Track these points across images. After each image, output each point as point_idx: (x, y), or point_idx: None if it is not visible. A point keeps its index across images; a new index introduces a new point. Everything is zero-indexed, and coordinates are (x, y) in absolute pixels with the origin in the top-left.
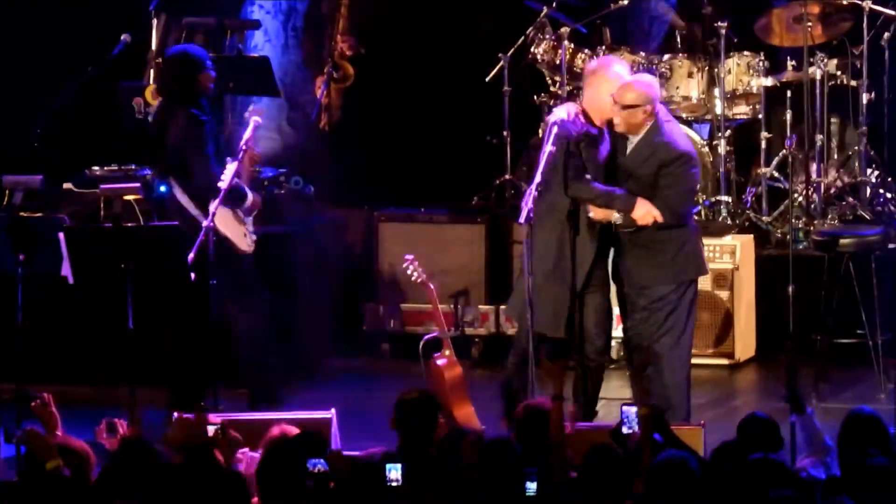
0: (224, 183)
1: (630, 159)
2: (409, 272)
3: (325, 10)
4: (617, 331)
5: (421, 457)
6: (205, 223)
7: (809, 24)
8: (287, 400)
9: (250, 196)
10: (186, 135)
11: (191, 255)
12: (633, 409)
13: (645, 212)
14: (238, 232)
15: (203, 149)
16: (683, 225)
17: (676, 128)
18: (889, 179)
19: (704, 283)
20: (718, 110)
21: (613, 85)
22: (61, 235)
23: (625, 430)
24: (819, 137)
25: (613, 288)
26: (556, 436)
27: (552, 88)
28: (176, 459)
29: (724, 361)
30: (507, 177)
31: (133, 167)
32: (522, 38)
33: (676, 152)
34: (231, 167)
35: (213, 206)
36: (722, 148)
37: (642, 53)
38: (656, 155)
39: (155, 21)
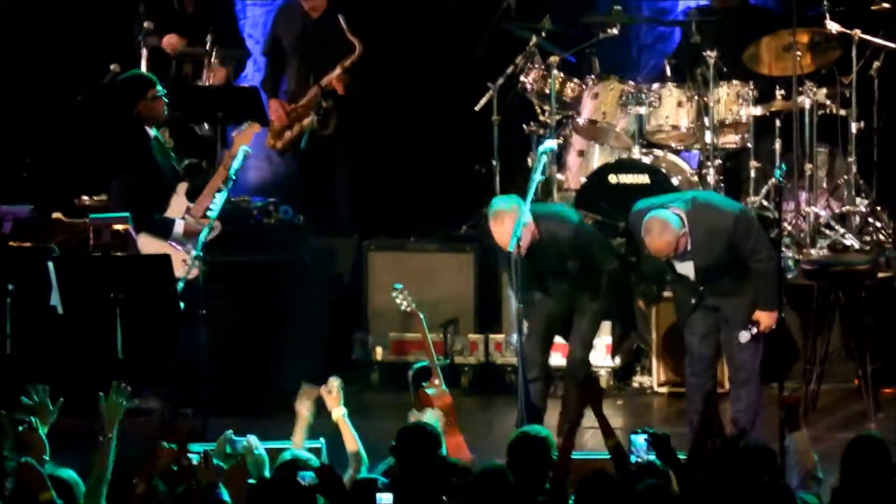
0: (213, 213)
1: (699, 260)
2: (398, 301)
3: (286, 43)
4: (605, 360)
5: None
6: (193, 252)
7: (798, 53)
8: (276, 429)
9: (178, 225)
10: (119, 156)
11: (180, 285)
12: (642, 437)
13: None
14: (174, 259)
15: (127, 175)
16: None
17: (704, 208)
18: (878, 208)
19: None
20: (708, 139)
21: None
22: (50, 265)
23: (633, 458)
24: (808, 166)
25: None
26: (562, 461)
27: (541, 118)
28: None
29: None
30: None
31: None
32: (512, 67)
33: (730, 220)
34: (221, 196)
35: (202, 236)
36: (711, 177)
37: (631, 83)
38: (717, 238)
39: (144, 51)
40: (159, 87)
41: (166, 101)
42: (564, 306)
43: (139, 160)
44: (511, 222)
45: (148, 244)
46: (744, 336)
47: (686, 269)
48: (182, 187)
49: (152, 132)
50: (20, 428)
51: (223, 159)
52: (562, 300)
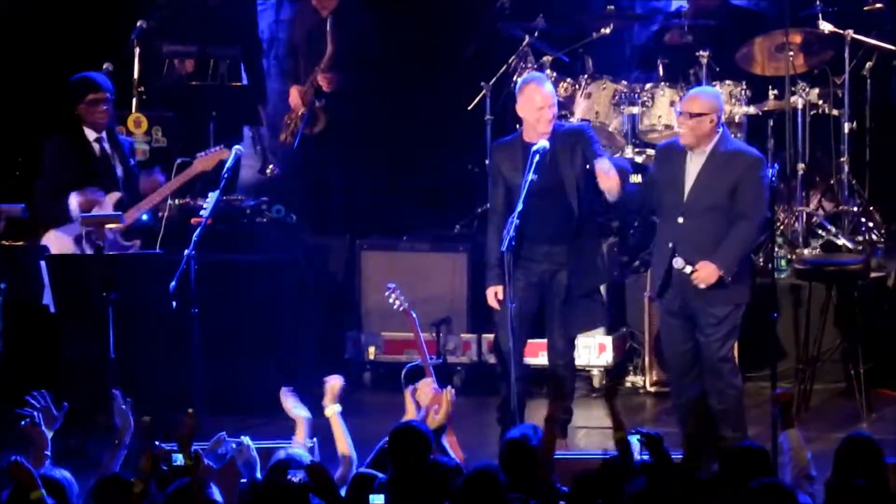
0: (206, 212)
1: (704, 173)
2: (390, 301)
3: (298, 41)
4: (598, 360)
5: (407, 486)
6: (186, 251)
7: (791, 53)
8: (270, 429)
9: (71, 200)
10: (44, 158)
11: (173, 284)
12: (636, 437)
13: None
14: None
15: (46, 177)
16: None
17: (736, 141)
18: (871, 208)
19: None
20: None
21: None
22: (43, 264)
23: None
24: (801, 166)
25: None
26: (543, 458)
27: None
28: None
29: None
30: (488, 205)
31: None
32: (505, 66)
33: (753, 157)
34: (212, 196)
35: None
36: None
37: (624, 82)
38: (733, 163)
39: (137, 50)
40: (106, 94)
41: (105, 108)
42: (537, 302)
43: (66, 162)
44: (544, 91)
45: (53, 243)
46: (678, 262)
47: (695, 168)
48: (113, 197)
49: (95, 135)
50: (22, 423)
51: (177, 177)
52: (536, 291)
